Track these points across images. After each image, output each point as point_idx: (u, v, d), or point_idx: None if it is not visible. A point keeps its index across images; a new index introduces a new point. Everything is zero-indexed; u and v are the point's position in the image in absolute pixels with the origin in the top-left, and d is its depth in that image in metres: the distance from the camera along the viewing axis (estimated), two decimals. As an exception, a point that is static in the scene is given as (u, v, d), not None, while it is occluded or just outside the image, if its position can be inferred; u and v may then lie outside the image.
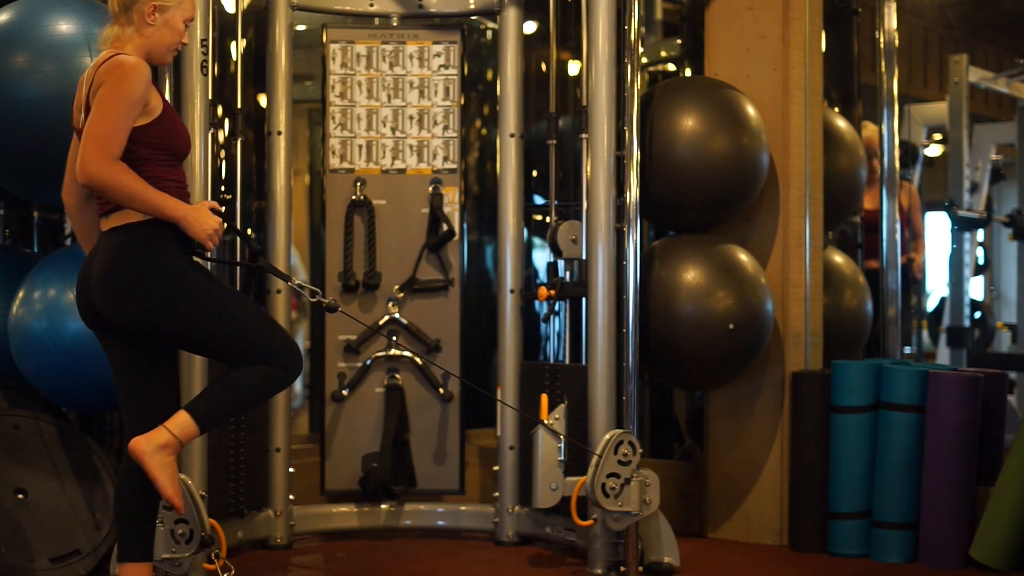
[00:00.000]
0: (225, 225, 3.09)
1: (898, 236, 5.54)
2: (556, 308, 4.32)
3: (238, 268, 4.19)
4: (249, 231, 4.71)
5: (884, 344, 5.47)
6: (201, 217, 3.03)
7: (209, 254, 3.18)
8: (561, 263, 4.28)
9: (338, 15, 4.77)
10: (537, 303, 4.39)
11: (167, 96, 3.73)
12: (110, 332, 3.10)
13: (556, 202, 4.44)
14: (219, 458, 4.06)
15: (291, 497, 4.43)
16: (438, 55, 4.68)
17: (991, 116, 8.68)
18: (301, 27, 5.15)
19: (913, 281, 6.22)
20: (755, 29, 4.51)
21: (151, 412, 3.08)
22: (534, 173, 5.30)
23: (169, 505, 3.07)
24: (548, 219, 4.47)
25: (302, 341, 7.60)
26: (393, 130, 4.67)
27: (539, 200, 5.37)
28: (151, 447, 3.00)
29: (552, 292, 4.20)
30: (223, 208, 3.17)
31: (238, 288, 4.18)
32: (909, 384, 4.18)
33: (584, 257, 4.14)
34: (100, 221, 3.10)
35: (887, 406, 4.21)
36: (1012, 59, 7.80)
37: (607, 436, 3.88)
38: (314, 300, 3.28)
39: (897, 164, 5.55)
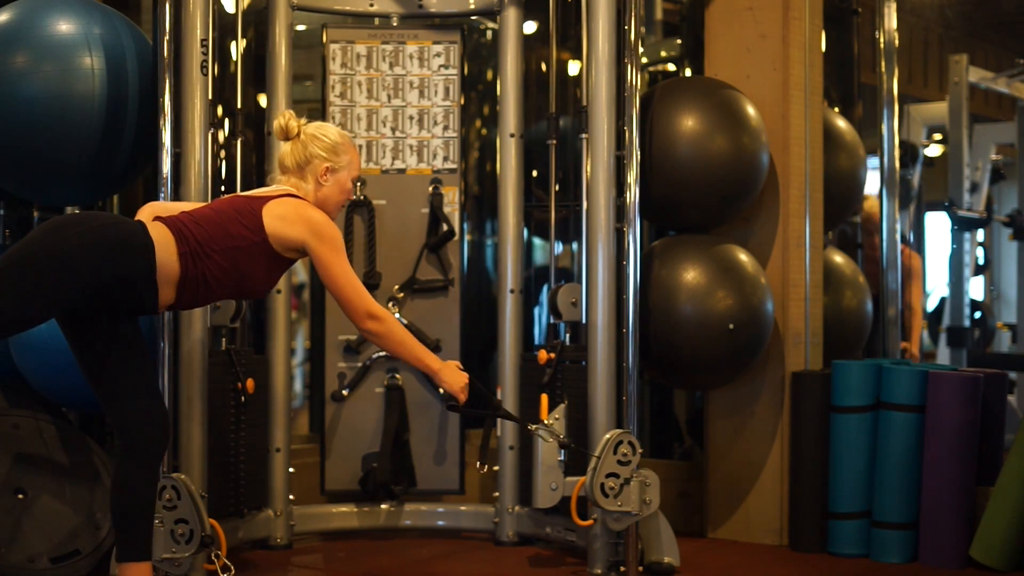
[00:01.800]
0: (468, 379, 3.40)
1: (898, 247, 5.54)
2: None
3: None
4: None
5: (884, 344, 5.47)
6: (454, 375, 3.38)
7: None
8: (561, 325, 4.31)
9: (338, 15, 4.77)
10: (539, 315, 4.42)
11: (167, 96, 3.74)
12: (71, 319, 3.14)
13: (556, 202, 4.45)
14: (219, 458, 4.07)
15: (291, 497, 4.43)
16: (438, 55, 4.68)
17: (991, 116, 8.67)
18: (301, 27, 5.15)
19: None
20: (755, 29, 4.51)
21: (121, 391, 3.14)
22: (534, 173, 5.30)
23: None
24: (550, 216, 4.48)
25: (302, 341, 7.59)
26: (393, 130, 4.67)
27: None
28: None
29: (552, 355, 4.21)
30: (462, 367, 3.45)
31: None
32: (909, 384, 4.18)
33: (584, 321, 4.14)
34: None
35: (887, 406, 4.21)
36: (1012, 59, 7.79)
37: (607, 436, 3.88)
38: (548, 440, 3.75)
39: (897, 164, 5.55)
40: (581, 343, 4.18)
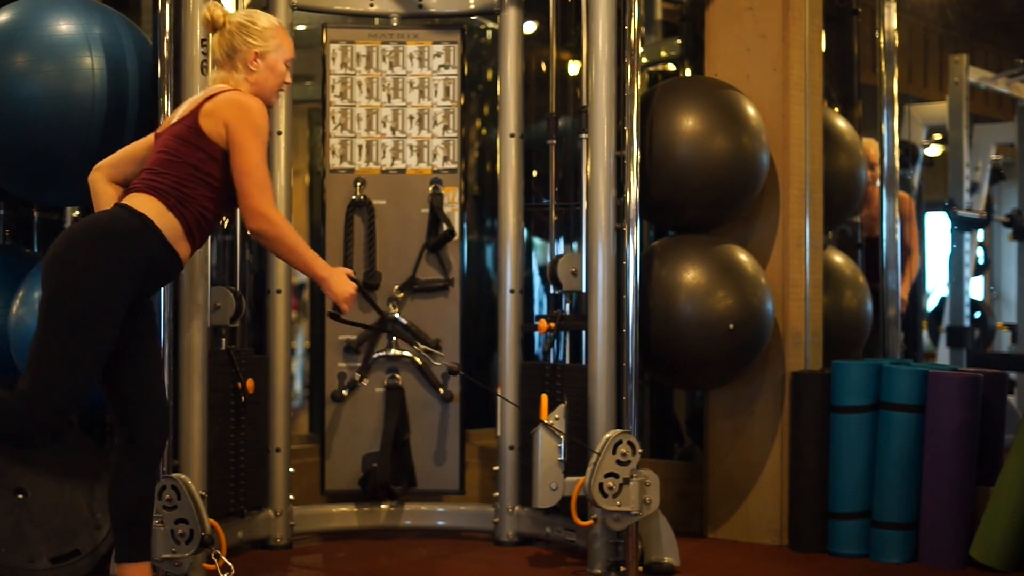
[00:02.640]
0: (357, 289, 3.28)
1: (898, 247, 5.54)
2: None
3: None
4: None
5: (884, 344, 5.47)
6: (341, 282, 3.24)
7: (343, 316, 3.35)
8: (561, 295, 4.30)
9: (338, 15, 4.77)
10: (537, 334, 4.41)
11: (167, 96, 3.74)
12: None
13: (556, 202, 4.44)
14: (219, 458, 4.07)
15: (291, 497, 4.43)
16: (438, 55, 4.68)
17: (991, 116, 8.68)
18: (301, 27, 5.16)
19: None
20: (755, 29, 4.51)
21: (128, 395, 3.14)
22: (534, 173, 5.30)
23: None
24: (550, 217, 4.48)
25: (302, 341, 7.59)
26: (393, 130, 4.67)
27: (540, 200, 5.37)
28: None
29: (552, 324, 4.21)
30: (355, 275, 3.36)
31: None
32: (909, 384, 4.18)
33: (584, 289, 4.14)
34: (121, 193, 3.22)
35: (887, 406, 4.21)
36: (1012, 59, 7.79)
37: (607, 436, 3.88)
38: (438, 363, 3.59)
39: (897, 164, 5.55)
40: (581, 313, 4.17)
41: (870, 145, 5.63)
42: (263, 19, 3.33)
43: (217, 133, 3.17)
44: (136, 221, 3.07)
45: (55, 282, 3.00)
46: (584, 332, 4.11)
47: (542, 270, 5.89)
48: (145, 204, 3.11)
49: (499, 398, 3.63)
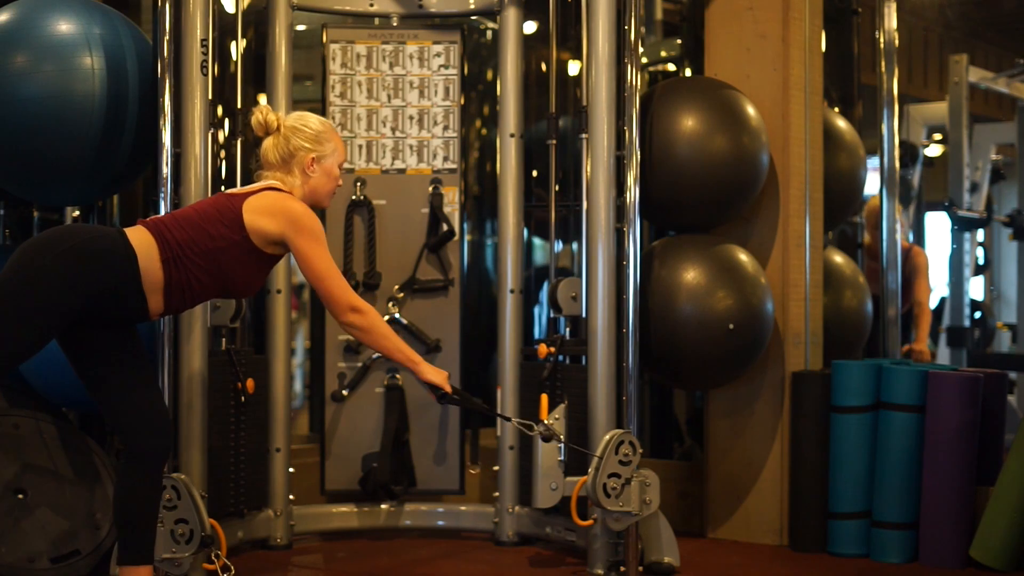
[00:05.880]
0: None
1: (898, 248, 5.54)
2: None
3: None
4: None
5: (884, 344, 5.47)
6: (435, 368, 3.38)
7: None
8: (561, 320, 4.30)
9: (338, 15, 4.77)
10: (537, 337, 4.41)
11: (167, 96, 3.74)
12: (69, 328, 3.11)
13: (556, 202, 4.44)
14: (219, 458, 4.07)
15: (291, 497, 4.43)
16: (438, 55, 4.68)
17: (991, 116, 8.68)
18: (301, 27, 5.15)
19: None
20: (755, 29, 4.51)
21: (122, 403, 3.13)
22: (534, 173, 5.30)
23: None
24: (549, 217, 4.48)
25: (302, 341, 7.61)
26: (393, 130, 4.67)
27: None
28: None
29: (551, 349, 4.20)
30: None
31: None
32: (909, 384, 4.18)
33: (584, 315, 4.14)
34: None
35: (887, 406, 4.21)
36: (1012, 59, 7.80)
37: (608, 436, 3.88)
38: (532, 434, 3.66)
39: (897, 164, 5.55)
40: (581, 337, 4.17)
41: (874, 206, 5.64)
42: (316, 122, 3.33)
43: (255, 227, 3.16)
44: (123, 251, 3.04)
45: (14, 268, 2.98)
46: (584, 358, 4.10)
47: (543, 278, 5.89)
48: (140, 242, 3.07)
49: (503, 418, 3.67)
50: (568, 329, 4.29)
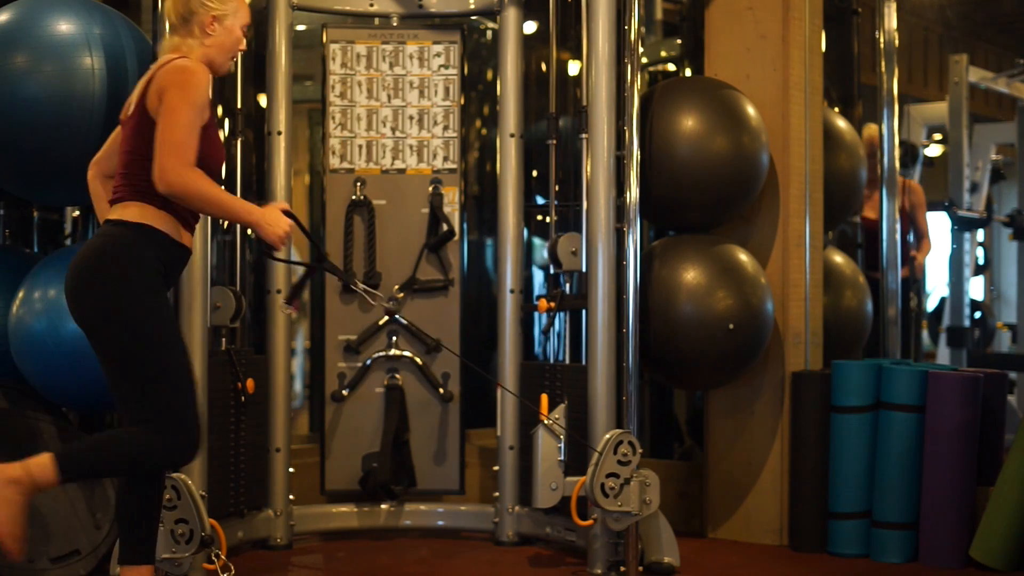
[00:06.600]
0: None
1: (898, 236, 5.52)
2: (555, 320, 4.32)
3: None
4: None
5: (884, 344, 5.47)
6: (274, 220, 3.06)
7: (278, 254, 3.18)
8: (561, 275, 4.29)
9: (338, 15, 4.77)
10: (538, 331, 4.40)
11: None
12: None
13: (556, 202, 4.44)
14: (219, 458, 4.07)
15: (291, 497, 4.43)
16: (438, 55, 4.68)
17: (991, 116, 8.69)
18: (301, 27, 5.15)
19: (913, 281, 6.20)
20: (755, 29, 4.51)
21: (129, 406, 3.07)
22: (534, 173, 5.30)
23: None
24: (548, 219, 4.47)
25: (302, 341, 7.59)
26: (393, 130, 4.67)
27: (539, 200, 5.37)
28: (0, 478, 2.96)
29: (552, 304, 4.20)
30: (292, 209, 3.17)
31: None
32: (909, 384, 4.18)
33: (584, 269, 4.14)
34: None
35: (887, 406, 4.21)
36: (1012, 59, 7.80)
37: (607, 436, 3.88)
38: (375, 303, 3.45)
39: (897, 164, 5.55)
40: (582, 292, 4.17)
41: (873, 133, 5.64)
42: None
43: (156, 110, 3.04)
44: (133, 232, 3.02)
45: (97, 316, 2.97)
46: (584, 317, 4.09)
47: (543, 268, 5.89)
48: (136, 213, 3.04)
49: (496, 386, 3.60)
50: (568, 285, 4.25)
